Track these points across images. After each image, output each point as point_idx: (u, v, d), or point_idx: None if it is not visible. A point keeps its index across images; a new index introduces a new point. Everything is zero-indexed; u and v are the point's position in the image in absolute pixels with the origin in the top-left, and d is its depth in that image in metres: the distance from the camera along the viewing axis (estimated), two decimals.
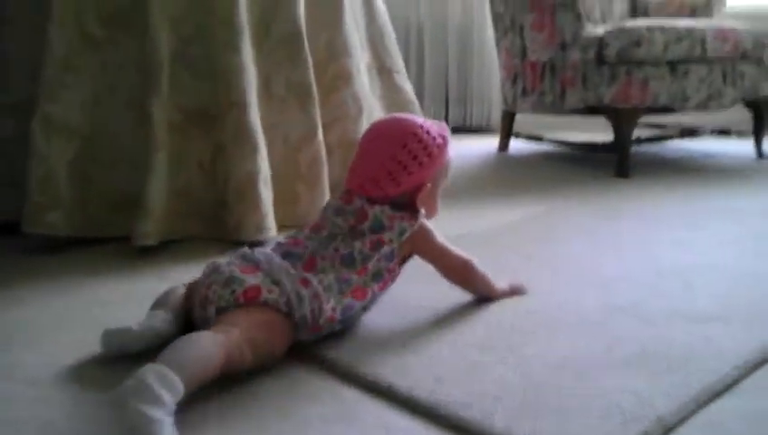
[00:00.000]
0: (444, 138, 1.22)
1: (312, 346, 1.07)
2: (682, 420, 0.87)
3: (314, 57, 1.84)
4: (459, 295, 1.27)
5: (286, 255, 1.13)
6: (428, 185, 1.19)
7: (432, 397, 0.91)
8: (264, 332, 1.00)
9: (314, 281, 1.07)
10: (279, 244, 1.18)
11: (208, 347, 0.92)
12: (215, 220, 1.68)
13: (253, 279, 1.04)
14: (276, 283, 1.04)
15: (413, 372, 0.98)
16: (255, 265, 1.08)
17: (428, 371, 0.98)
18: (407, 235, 1.16)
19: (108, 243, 1.66)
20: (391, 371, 0.99)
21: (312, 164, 1.77)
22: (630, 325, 1.13)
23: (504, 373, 0.97)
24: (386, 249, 1.14)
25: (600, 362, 1.00)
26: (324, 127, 1.85)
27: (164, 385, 0.82)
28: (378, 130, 1.23)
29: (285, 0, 1.74)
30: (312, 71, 1.78)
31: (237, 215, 1.63)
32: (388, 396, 0.94)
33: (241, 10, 1.65)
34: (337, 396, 0.95)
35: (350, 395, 0.95)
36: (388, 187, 1.17)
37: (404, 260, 1.20)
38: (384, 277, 1.15)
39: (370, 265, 1.13)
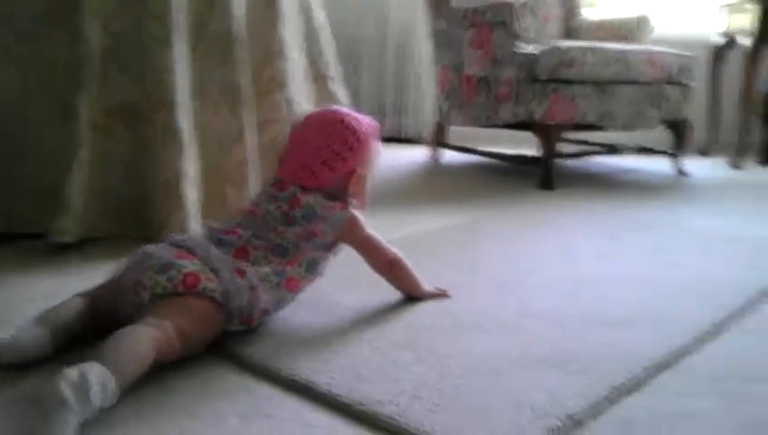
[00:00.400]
0: (370, 125, 1.25)
1: (231, 343, 1.07)
2: (592, 417, 0.90)
3: (251, 59, 1.84)
4: (382, 296, 1.29)
5: (218, 242, 1.13)
6: (359, 170, 1.22)
7: (350, 394, 0.92)
8: (197, 324, 1.00)
9: (250, 271, 1.07)
10: (210, 229, 1.18)
11: (144, 344, 0.91)
12: (138, 219, 1.65)
13: (190, 265, 1.03)
14: (214, 271, 1.04)
15: (332, 369, 0.99)
16: (190, 252, 1.06)
17: (348, 368, 0.99)
18: (339, 226, 1.18)
19: (31, 239, 1.62)
20: (310, 368, 0.99)
21: (240, 165, 1.76)
22: (546, 329, 1.17)
23: (422, 372, 0.99)
24: (318, 240, 1.16)
25: (514, 362, 1.03)
26: (258, 129, 1.85)
27: (94, 387, 0.81)
28: (307, 121, 1.26)
29: (222, 1, 1.73)
30: (244, 73, 1.77)
31: (162, 214, 1.61)
32: (306, 393, 0.94)
33: (175, 8, 1.64)
34: (254, 393, 0.95)
35: (268, 392, 0.95)
36: (322, 174, 1.19)
37: (332, 247, 1.21)
38: (318, 267, 1.17)
39: (303, 256, 1.14)
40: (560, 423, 0.86)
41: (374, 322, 1.18)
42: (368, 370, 0.99)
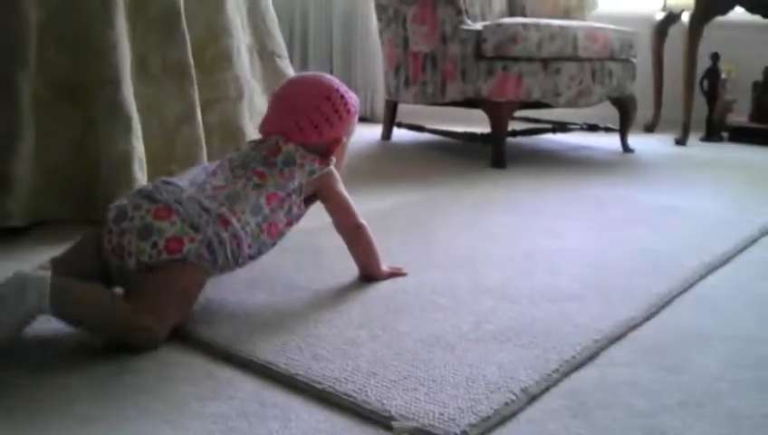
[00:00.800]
0: (356, 100, 1.33)
1: (192, 327, 1.07)
2: (544, 390, 0.92)
3: (194, 37, 1.80)
4: (339, 278, 1.30)
5: (208, 198, 1.11)
6: (344, 139, 1.29)
7: (308, 373, 0.93)
8: (180, 302, 1.05)
9: (233, 219, 1.09)
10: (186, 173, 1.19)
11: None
12: (85, 202, 1.62)
13: (170, 227, 1.03)
14: (195, 227, 1.05)
15: (290, 350, 1.00)
16: (167, 208, 1.06)
17: (305, 349, 1.00)
18: (315, 175, 1.22)
19: None
20: (269, 349, 1.00)
21: (190, 145, 1.74)
22: (498, 304, 1.19)
23: (378, 349, 1.00)
24: (295, 183, 1.19)
25: (468, 337, 1.05)
26: (204, 108, 1.82)
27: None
28: (300, 82, 1.33)
29: None
30: (189, 50, 1.74)
31: (109, 196, 1.56)
32: (264, 374, 0.95)
33: None
34: (214, 376, 0.95)
35: (226, 374, 0.96)
36: (311, 134, 1.25)
37: (308, 202, 1.24)
38: (292, 213, 1.20)
39: (281, 194, 1.16)
40: (513, 397, 0.88)
41: (331, 302, 1.19)
42: (325, 349, 1.00)
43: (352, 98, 1.31)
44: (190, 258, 1.04)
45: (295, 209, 1.20)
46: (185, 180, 1.15)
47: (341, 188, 1.28)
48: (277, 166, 1.20)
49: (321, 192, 1.25)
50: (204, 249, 1.05)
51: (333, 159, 1.28)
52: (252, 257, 1.15)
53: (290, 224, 1.21)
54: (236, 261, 1.11)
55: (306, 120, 1.24)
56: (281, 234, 1.20)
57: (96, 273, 1.07)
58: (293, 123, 1.24)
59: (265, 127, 1.29)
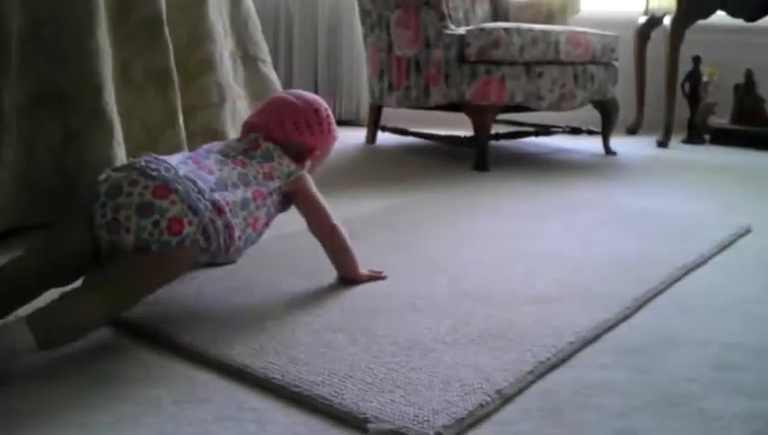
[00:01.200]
0: (336, 132, 1.42)
1: (167, 329, 1.07)
2: (519, 392, 0.94)
3: (176, 43, 1.81)
4: (318, 281, 1.31)
5: (182, 163, 1.15)
6: (318, 153, 1.36)
7: (285, 377, 0.94)
8: (168, 276, 1.09)
9: (226, 209, 1.11)
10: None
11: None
12: (67, 206, 1.62)
13: (171, 206, 1.05)
14: (194, 210, 1.07)
15: (268, 353, 1.00)
16: (166, 186, 1.06)
17: (283, 352, 1.01)
18: (292, 177, 1.26)
19: None
20: (246, 353, 1.00)
21: (173, 151, 1.72)
22: (475, 308, 1.20)
23: (356, 353, 1.01)
24: (276, 184, 1.23)
25: (444, 341, 1.06)
26: (186, 114, 1.83)
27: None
28: (293, 93, 1.40)
29: None
30: (172, 56, 1.75)
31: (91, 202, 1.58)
32: (241, 377, 0.96)
33: None
34: (190, 379, 0.96)
35: (203, 377, 0.96)
36: (292, 132, 1.32)
37: (282, 205, 1.28)
38: (270, 212, 1.23)
39: (264, 191, 1.20)
40: (488, 398, 0.89)
41: (310, 306, 1.20)
42: (303, 353, 1.01)
43: (335, 127, 1.40)
44: (187, 242, 1.06)
45: (272, 210, 1.24)
46: (173, 160, 1.14)
47: (315, 190, 1.31)
48: (256, 159, 1.24)
49: (296, 195, 1.28)
50: (200, 235, 1.08)
51: (309, 163, 1.33)
52: (239, 250, 1.19)
53: (266, 224, 1.24)
54: (228, 250, 1.14)
55: (290, 120, 1.32)
56: (261, 232, 1.23)
57: (81, 249, 1.04)
58: (277, 120, 1.32)
59: (247, 125, 1.35)
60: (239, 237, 1.15)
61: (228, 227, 1.11)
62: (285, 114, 1.33)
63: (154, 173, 1.07)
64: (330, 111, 1.40)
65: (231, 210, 1.12)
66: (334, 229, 1.30)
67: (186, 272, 1.16)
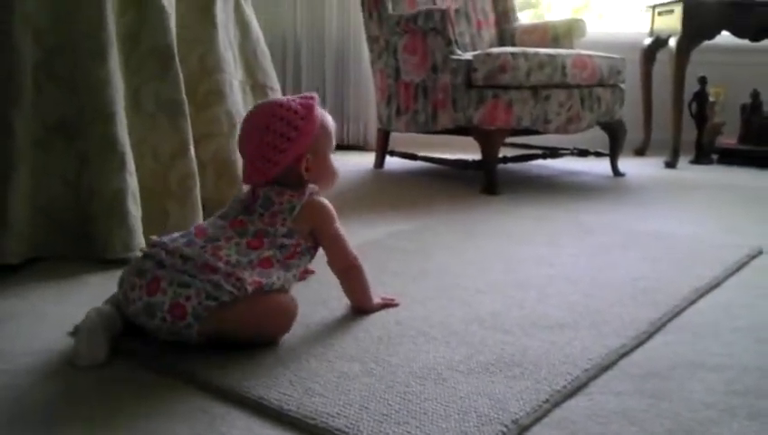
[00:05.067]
0: (306, 106, 1.25)
1: (184, 364, 1.07)
2: (535, 421, 0.93)
3: (186, 73, 1.83)
4: (330, 310, 1.31)
5: (190, 243, 1.15)
6: (308, 156, 1.25)
7: (300, 408, 0.93)
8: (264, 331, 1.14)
9: (220, 263, 1.10)
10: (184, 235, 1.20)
11: None
12: (81, 237, 1.63)
13: (163, 298, 1.07)
14: (185, 285, 1.07)
15: (283, 384, 1.00)
16: (154, 279, 1.08)
17: (298, 383, 1.01)
18: (297, 210, 1.21)
19: None
20: (261, 384, 1.00)
21: (184, 181, 1.75)
22: (489, 334, 1.20)
23: (370, 383, 1.01)
24: (282, 229, 1.19)
25: (459, 369, 1.06)
26: (197, 143, 1.84)
27: None
28: (246, 120, 1.28)
29: (155, 15, 1.72)
30: (182, 87, 1.76)
31: (104, 232, 1.59)
32: (257, 409, 0.96)
33: (108, 22, 1.62)
34: (207, 412, 0.95)
35: (221, 410, 0.96)
36: (268, 169, 1.23)
37: (312, 239, 1.25)
38: (289, 249, 1.19)
39: (267, 240, 1.17)
40: (504, 429, 0.89)
41: (324, 336, 1.20)
42: (317, 383, 1.01)
43: (297, 111, 1.23)
44: (200, 315, 1.07)
45: (291, 247, 1.20)
46: (176, 235, 1.19)
47: (335, 225, 1.27)
48: (257, 212, 1.21)
49: (315, 230, 1.25)
50: (204, 300, 1.07)
51: (312, 186, 1.27)
52: (260, 285, 1.12)
53: (291, 258, 1.20)
54: (246, 290, 1.10)
55: (259, 157, 1.22)
56: (286, 267, 1.19)
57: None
58: (253, 166, 1.24)
59: (244, 178, 1.28)
60: (250, 275, 1.11)
61: (231, 275, 1.09)
62: (257, 157, 1.23)
63: (146, 266, 1.11)
64: (283, 105, 1.23)
65: (228, 261, 1.11)
66: (351, 270, 1.29)
67: (248, 313, 1.12)
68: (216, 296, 1.07)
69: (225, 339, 1.10)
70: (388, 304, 1.34)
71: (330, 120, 1.32)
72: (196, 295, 1.07)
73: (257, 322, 1.12)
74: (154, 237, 1.17)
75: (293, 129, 1.22)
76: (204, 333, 1.08)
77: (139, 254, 1.16)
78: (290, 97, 1.27)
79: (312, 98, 1.28)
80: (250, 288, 1.10)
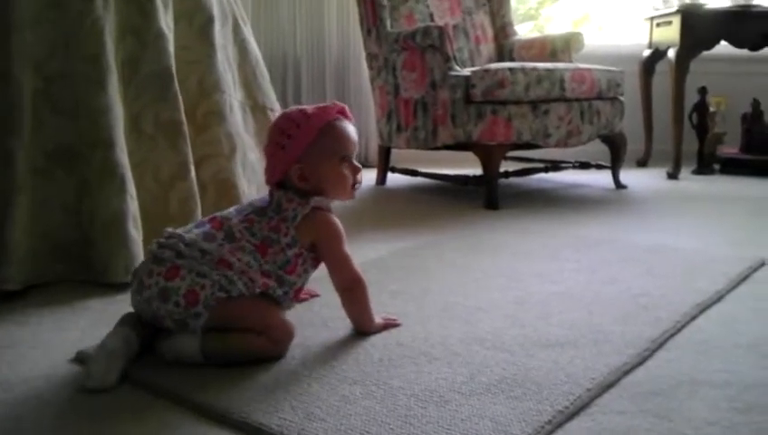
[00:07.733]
0: (307, 115, 1.25)
1: (183, 388, 1.07)
2: None
3: (186, 95, 1.84)
4: (330, 332, 1.30)
5: (207, 237, 1.20)
6: (298, 165, 1.24)
7: (301, 434, 0.93)
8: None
9: (234, 259, 1.16)
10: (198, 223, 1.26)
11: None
12: (82, 262, 1.63)
13: (181, 283, 1.13)
14: (202, 274, 1.14)
15: (283, 408, 1.00)
16: (174, 267, 1.15)
17: (298, 407, 1.00)
18: (298, 219, 1.23)
19: None
20: (261, 409, 1.00)
21: (185, 202, 1.75)
22: (490, 354, 1.20)
23: (372, 406, 1.01)
24: (286, 239, 1.22)
25: (460, 390, 1.05)
26: (197, 164, 1.85)
27: None
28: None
29: (153, 39, 1.73)
30: (182, 108, 1.77)
31: (105, 255, 1.59)
32: None
33: (107, 49, 1.63)
34: None
35: None
36: (269, 176, 1.28)
37: (314, 252, 1.26)
38: (291, 263, 1.22)
39: (272, 250, 1.20)
40: None
41: (325, 358, 1.19)
42: (318, 408, 1.00)
43: (294, 119, 1.25)
44: (210, 304, 1.14)
45: (293, 260, 1.23)
46: (189, 227, 1.25)
47: (342, 247, 1.27)
48: (267, 214, 1.24)
49: (317, 245, 1.25)
50: (217, 291, 1.14)
51: (319, 198, 1.26)
52: (268, 287, 1.20)
53: (292, 272, 1.24)
54: (255, 291, 1.18)
55: (266, 161, 1.29)
56: (287, 283, 1.23)
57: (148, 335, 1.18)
58: (264, 170, 1.30)
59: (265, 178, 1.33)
60: (261, 279, 1.18)
61: (244, 272, 1.16)
62: (266, 150, 1.29)
63: (165, 255, 1.17)
64: (290, 111, 1.28)
65: (240, 259, 1.17)
66: (352, 290, 1.28)
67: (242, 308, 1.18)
68: (228, 290, 1.14)
69: (229, 327, 1.16)
70: (389, 325, 1.33)
71: (343, 127, 1.30)
72: (210, 286, 1.14)
73: (258, 322, 1.17)
74: (170, 229, 1.23)
75: (287, 137, 1.24)
76: (207, 326, 1.14)
77: (154, 244, 1.20)
78: (309, 106, 1.30)
79: (325, 108, 1.28)
80: (258, 290, 1.18)
